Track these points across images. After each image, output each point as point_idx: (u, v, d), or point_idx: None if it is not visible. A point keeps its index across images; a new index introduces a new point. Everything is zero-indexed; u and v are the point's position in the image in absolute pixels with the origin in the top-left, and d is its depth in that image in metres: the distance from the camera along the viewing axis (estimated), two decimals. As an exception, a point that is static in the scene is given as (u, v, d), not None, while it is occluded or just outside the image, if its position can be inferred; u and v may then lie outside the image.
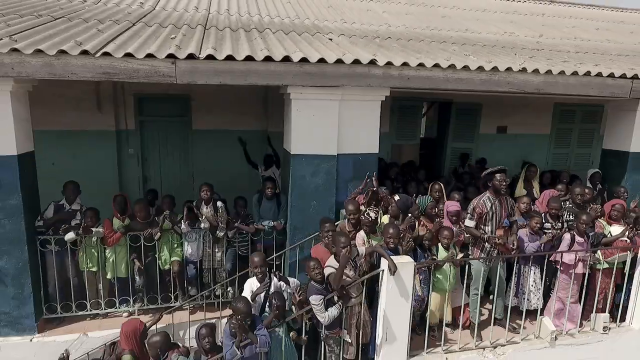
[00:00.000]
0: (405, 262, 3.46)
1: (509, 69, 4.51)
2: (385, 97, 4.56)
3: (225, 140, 7.02)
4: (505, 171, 4.00)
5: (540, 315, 4.46)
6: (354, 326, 3.58)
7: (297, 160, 4.42)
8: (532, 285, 4.60)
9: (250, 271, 3.83)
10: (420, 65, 4.26)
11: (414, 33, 6.83)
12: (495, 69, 4.47)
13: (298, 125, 4.35)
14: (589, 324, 4.41)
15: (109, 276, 4.47)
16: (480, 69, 4.44)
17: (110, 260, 4.42)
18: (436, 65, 4.31)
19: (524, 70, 4.57)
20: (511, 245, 4.08)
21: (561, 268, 4.45)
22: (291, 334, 3.49)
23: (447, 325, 4.37)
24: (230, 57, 3.82)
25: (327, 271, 3.46)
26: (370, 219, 3.79)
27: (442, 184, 4.96)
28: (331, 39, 5.20)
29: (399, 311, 3.56)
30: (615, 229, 4.62)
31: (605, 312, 4.39)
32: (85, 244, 4.30)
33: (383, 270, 3.48)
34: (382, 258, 3.51)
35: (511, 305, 4.51)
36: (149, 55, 3.66)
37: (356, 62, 4.11)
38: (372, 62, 4.16)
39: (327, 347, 3.56)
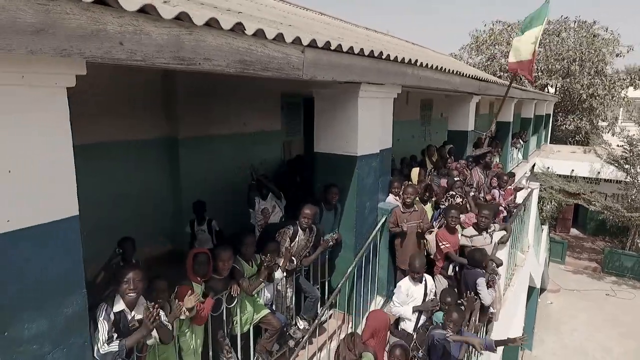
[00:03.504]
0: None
1: (456, 73, 5.78)
2: (397, 94, 4.91)
3: (120, 156, 5.20)
4: (492, 152, 5.31)
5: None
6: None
7: (361, 162, 4.18)
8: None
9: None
10: (432, 66, 4.89)
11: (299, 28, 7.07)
12: (451, 71, 5.63)
13: (362, 125, 4.11)
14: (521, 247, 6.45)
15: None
16: (447, 71, 5.48)
17: (190, 349, 2.83)
18: (431, 67, 5.04)
19: (457, 73, 5.96)
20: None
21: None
22: None
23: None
24: (350, 50, 3.25)
25: (463, 241, 3.79)
26: (455, 202, 4.22)
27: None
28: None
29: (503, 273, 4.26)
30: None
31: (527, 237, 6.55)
32: (159, 341, 2.58)
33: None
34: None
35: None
36: (292, 40, 2.66)
37: (403, 60, 4.29)
38: (410, 61, 4.45)
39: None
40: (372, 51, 3.54)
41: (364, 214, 4.36)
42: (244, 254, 3.26)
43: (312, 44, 2.86)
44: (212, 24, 2.13)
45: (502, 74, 25.96)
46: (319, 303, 3.99)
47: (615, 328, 12.40)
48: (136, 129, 5.41)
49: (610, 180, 16.28)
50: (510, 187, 6.77)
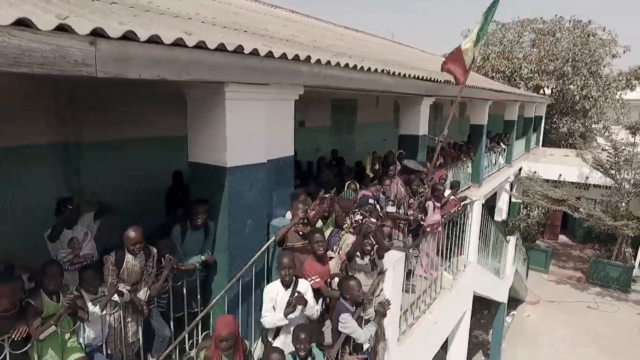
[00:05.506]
0: (401, 256, 3.60)
1: (382, 71, 5.19)
2: (299, 96, 4.35)
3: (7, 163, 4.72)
4: (421, 171, 4.76)
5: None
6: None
7: (233, 175, 3.62)
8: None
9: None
10: (337, 64, 4.31)
11: (240, 27, 6.52)
12: (376, 70, 5.05)
13: (233, 132, 3.55)
14: (454, 266, 5.84)
15: None
16: (370, 70, 4.90)
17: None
18: (346, 65, 4.46)
19: (388, 72, 5.36)
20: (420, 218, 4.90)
21: (428, 229, 5.65)
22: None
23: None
24: (179, 42, 2.70)
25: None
26: (355, 221, 3.65)
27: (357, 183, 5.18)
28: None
29: (398, 302, 3.67)
30: (447, 193, 6.25)
31: (461, 255, 5.94)
32: None
33: (387, 269, 3.48)
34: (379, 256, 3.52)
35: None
36: (59, 28, 2.12)
37: (296, 57, 3.73)
38: (306, 59, 3.88)
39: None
40: (221, 44, 2.98)
41: (243, 233, 3.80)
42: (45, 287, 2.71)
43: (102, 34, 2.30)
44: None
45: (494, 74, 25.25)
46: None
47: (595, 343, 11.72)
48: (26, 134, 4.89)
49: (599, 185, 15.59)
50: (453, 198, 6.17)
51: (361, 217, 3.80)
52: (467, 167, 11.22)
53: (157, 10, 4.54)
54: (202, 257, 3.64)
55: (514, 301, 13.32)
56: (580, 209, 14.06)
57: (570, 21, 23.95)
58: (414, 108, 7.36)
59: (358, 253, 3.46)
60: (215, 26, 4.96)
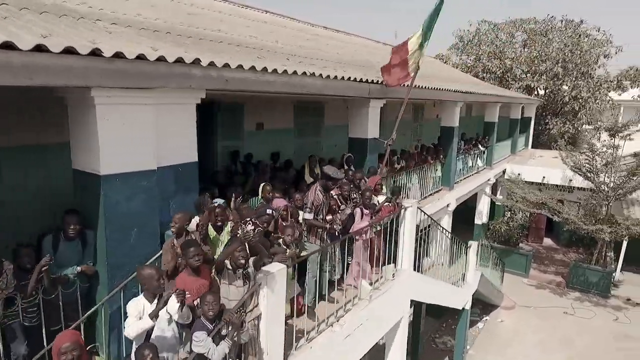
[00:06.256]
0: (280, 269, 3.42)
1: (303, 74, 5.01)
2: (201, 99, 4.19)
3: None
4: (342, 179, 4.62)
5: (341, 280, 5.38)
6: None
7: (109, 183, 3.46)
8: (338, 257, 5.45)
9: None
10: (240, 66, 4.13)
11: (174, 28, 6.37)
12: (295, 72, 4.87)
13: (107, 138, 3.39)
14: (383, 275, 5.65)
15: None
16: (287, 72, 4.73)
17: None
18: (252, 68, 4.29)
19: (312, 74, 5.19)
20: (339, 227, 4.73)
21: (356, 237, 5.47)
22: None
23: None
24: (7, 45, 2.54)
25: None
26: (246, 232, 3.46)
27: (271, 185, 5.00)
28: (110, 29, 4.22)
29: (278, 318, 3.50)
30: (381, 198, 6.05)
31: (391, 264, 5.74)
32: None
33: (260, 283, 3.31)
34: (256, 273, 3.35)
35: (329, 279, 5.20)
36: None
37: (178, 60, 3.56)
38: (195, 62, 3.71)
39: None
40: (70, 47, 2.82)
41: (127, 243, 3.64)
42: None
43: None
44: None
45: (484, 75, 24.94)
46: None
47: (568, 349, 11.48)
48: None
49: (583, 188, 15.32)
50: (388, 204, 5.97)
51: (253, 228, 3.62)
52: (436, 170, 11.00)
53: (61, 11, 4.38)
54: (78, 268, 3.50)
55: (488, 306, 13.10)
56: (561, 213, 13.76)
57: (562, 21, 23.61)
58: (362, 110, 7.18)
59: (230, 265, 3.30)
60: (130, 27, 4.79)
